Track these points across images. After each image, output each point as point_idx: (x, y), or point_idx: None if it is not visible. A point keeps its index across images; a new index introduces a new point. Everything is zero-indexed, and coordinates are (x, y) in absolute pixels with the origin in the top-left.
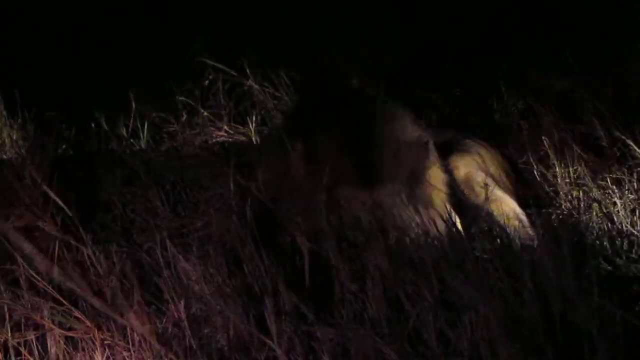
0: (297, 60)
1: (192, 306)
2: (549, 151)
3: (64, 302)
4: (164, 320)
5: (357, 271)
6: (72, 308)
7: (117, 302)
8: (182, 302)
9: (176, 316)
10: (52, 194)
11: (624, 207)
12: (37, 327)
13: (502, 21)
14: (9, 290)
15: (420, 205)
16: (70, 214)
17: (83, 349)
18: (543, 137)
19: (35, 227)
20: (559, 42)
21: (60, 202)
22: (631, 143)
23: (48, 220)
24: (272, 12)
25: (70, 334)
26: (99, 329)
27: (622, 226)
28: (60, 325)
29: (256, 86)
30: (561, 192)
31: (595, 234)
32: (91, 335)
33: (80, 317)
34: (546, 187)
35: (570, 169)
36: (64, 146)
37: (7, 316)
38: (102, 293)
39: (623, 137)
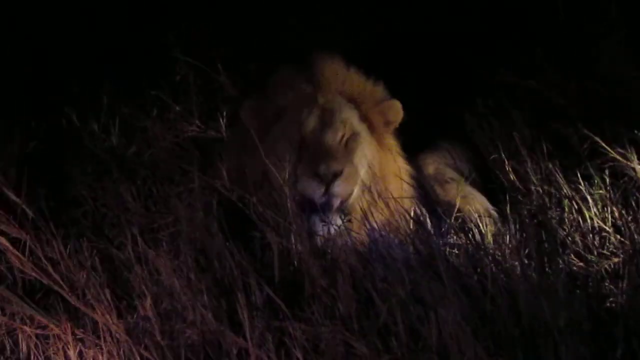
0: (268, 56)
1: (162, 301)
2: (520, 147)
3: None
4: (135, 315)
5: (327, 267)
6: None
7: (88, 297)
8: (151, 297)
9: (146, 311)
10: (11, 195)
11: (595, 204)
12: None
13: (472, 20)
14: None
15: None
16: (33, 214)
17: (55, 344)
18: (514, 134)
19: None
20: (528, 40)
21: (24, 207)
22: (599, 140)
23: (8, 221)
24: (244, 7)
25: (40, 332)
26: (71, 324)
27: (592, 222)
28: (32, 321)
29: (227, 81)
30: (532, 188)
31: (566, 230)
32: (63, 330)
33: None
34: (517, 183)
35: (541, 165)
36: (34, 142)
37: None
38: (73, 288)
39: (591, 134)
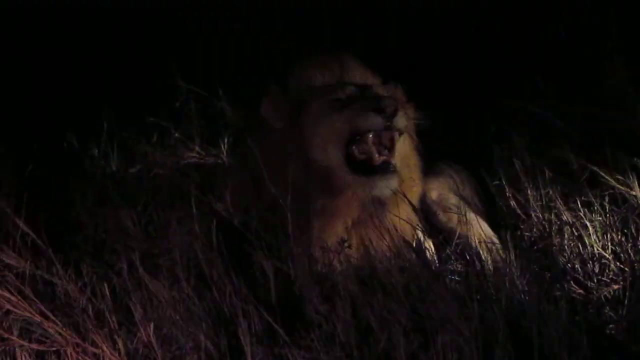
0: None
1: (162, 328)
2: (520, 174)
3: (36, 316)
4: (135, 341)
5: (327, 293)
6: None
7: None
8: (152, 324)
9: (146, 338)
10: (20, 224)
11: (595, 231)
12: (3, 339)
13: (474, 45)
14: None
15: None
16: (38, 240)
17: None
18: (515, 160)
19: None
20: (529, 64)
21: (25, 229)
22: (597, 169)
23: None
24: (244, 33)
25: (40, 347)
26: (70, 345)
27: (592, 249)
28: (30, 339)
29: (228, 107)
30: (533, 215)
31: (566, 257)
32: (62, 350)
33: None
34: (518, 209)
35: (542, 192)
36: (34, 166)
37: None
38: (73, 314)
39: (589, 164)
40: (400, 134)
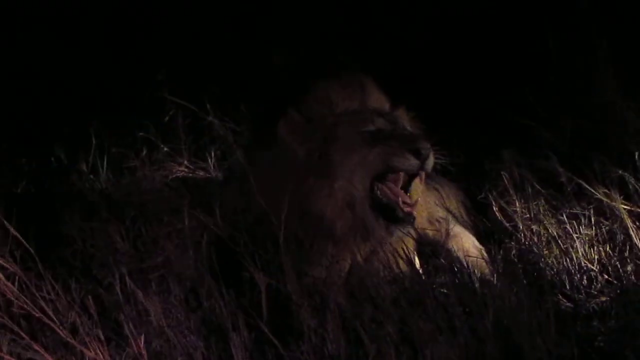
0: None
1: (152, 342)
2: (508, 186)
3: (24, 335)
4: (124, 356)
5: (316, 306)
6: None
7: (77, 338)
8: (142, 338)
9: (136, 352)
10: (11, 229)
11: (582, 243)
12: None
13: (462, 58)
14: None
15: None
16: (20, 254)
17: None
18: (502, 173)
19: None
20: (518, 76)
21: (19, 237)
22: (584, 182)
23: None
24: (232, 47)
25: None
26: None
27: (580, 261)
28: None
29: (216, 121)
30: (520, 227)
31: (554, 270)
32: None
33: (40, 350)
34: (505, 222)
35: (530, 205)
36: (23, 181)
37: None
38: (62, 329)
39: (576, 177)
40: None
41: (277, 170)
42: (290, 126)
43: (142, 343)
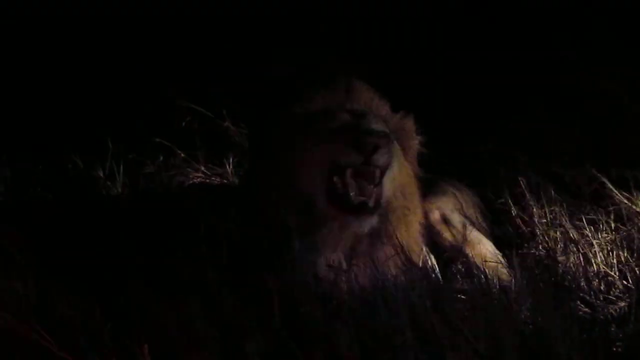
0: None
1: (162, 349)
2: (525, 192)
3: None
4: None
5: (330, 312)
6: None
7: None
8: (152, 344)
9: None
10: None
11: (600, 248)
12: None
13: (475, 63)
14: None
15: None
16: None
17: None
18: (519, 178)
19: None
20: (534, 83)
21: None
22: (606, 181)
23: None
24: (248, 53)
25: None
26: None
27: (598, 267)
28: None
29: (233, 127)
30: (538, 233)
31: (572, 275)
32: None
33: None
34: (523, 227)
35: (547, 210)
36: (38, 188)
37: None
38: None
39: (594, 182)
40: (382, 170)
41: (261, 173)
42: (269, 126)
43: (147, 351)
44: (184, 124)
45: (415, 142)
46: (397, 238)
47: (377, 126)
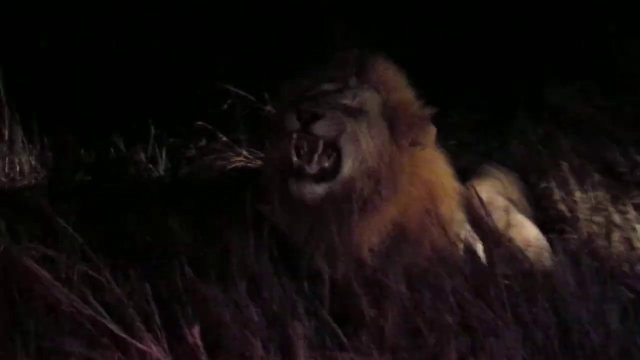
0: None
1: (209, 332)
2: (568, 176)
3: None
4: (182, 346)
5: (376, 296)
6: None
7: (135, 327)
8: (197, 327)
9: (192, 342)
10: (65, 225)
11: None
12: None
13: (521, 44)
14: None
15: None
16: (84, 242)
17: None
18: (562, 162)
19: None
20: (579, 66)
21: (71, 231)
22: None
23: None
24: (291, 37)
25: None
26: (119, 353)
27: None
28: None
29: (275, 110)
30: (581, 218)
31: (615, 260)
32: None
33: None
34: (566, 212)
35: (591, 194)
36: (82, 171)
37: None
38: (121, 319)
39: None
40: (329, 141)
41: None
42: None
43: (198, 333)
44: (225, 107)
45: (422, 127)
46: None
47: (335, 98)
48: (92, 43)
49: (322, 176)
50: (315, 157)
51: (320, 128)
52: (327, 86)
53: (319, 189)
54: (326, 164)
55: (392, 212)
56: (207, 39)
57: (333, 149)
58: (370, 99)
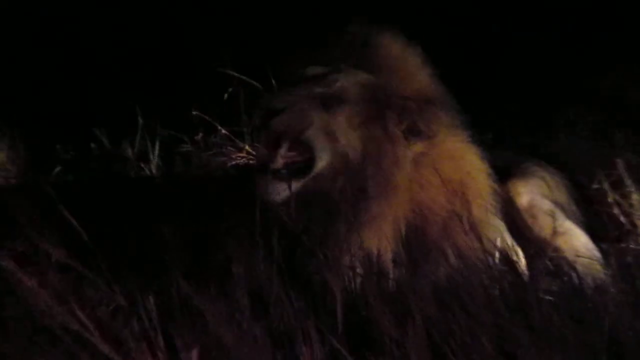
0: None
1: (209, 353)
2: (623, 175)
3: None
4: None
5: (398, 314)
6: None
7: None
8: (197, 349)
9: None
10: (68, 216)
11: None
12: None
13: (569, 28)
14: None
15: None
16: (85, 240)
17: None
18: (616, 159)
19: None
20: (631, 49)
21: (75, 224)
22: None
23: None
24: (302, 20)
25: None
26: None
27: None
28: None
29: None
30: (639, 224)
31: None
32: None
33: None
34: (622, 217)
35: None
36: (59, 169)
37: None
38: (113, 335)
39: None
40: (294, 135)
41: None
42: None
43: (197, 354)
44: (226, 95)
45: (427, 113)
46: None
47: (309, 87)
48: (70, 23)
49: (292, 174)
50: (280, 153)
51: (280, 123)
52: (311, 70)
53: (283, 187)
54: (298, 160)
55: (396, 213)
56: (207, 17)
57: (301, 144)
58: (355, 85)
